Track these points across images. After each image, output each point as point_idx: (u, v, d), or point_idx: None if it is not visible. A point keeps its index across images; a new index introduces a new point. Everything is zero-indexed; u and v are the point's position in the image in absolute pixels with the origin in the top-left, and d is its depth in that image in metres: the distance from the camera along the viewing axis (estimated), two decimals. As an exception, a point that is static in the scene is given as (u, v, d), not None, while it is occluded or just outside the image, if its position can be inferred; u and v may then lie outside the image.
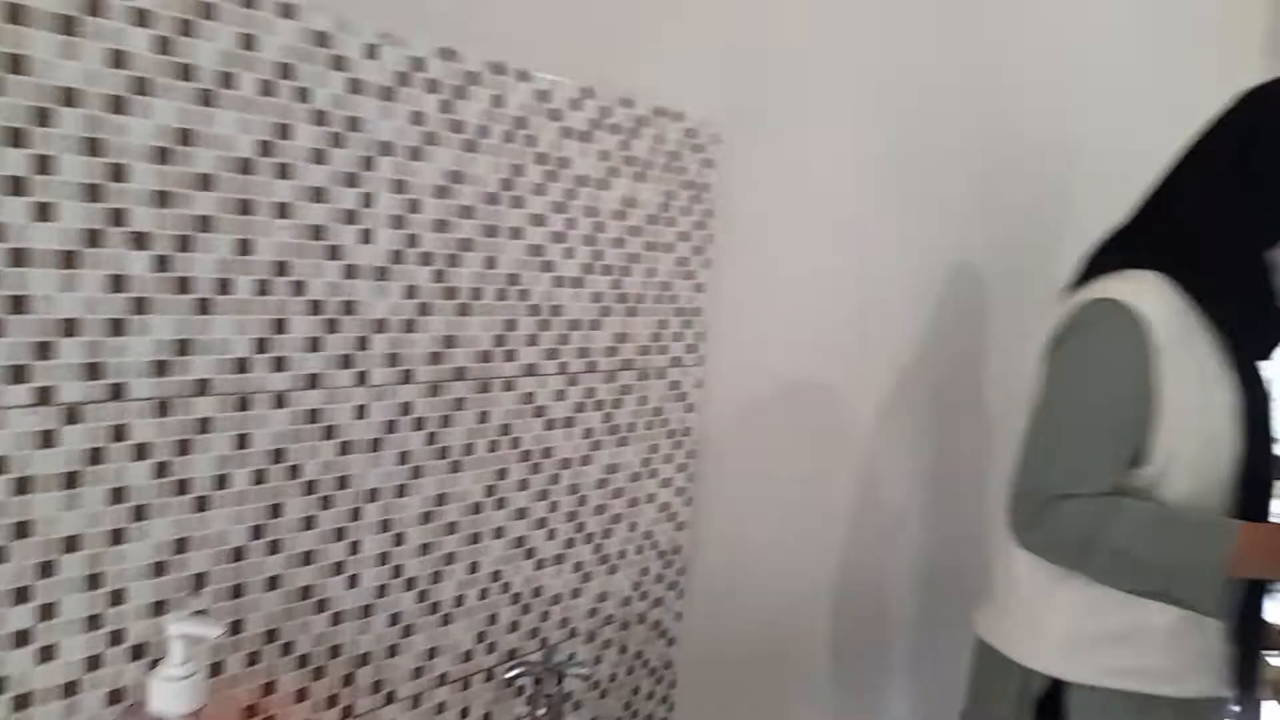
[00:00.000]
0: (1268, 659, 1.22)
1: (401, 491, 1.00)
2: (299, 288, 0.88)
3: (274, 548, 0.90)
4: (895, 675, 1.88)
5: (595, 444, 1.21)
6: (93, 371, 0.76)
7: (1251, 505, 1.19)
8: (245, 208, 0.83)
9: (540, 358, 1.12)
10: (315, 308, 0.90)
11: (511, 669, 1.12)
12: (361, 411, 0.95)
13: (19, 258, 0.71)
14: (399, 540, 1.01)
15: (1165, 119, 1.32)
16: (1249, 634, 1.23)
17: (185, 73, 0.78)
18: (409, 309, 0.98)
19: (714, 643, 1.45)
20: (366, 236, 0.93)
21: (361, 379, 0.95)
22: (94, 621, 0.78)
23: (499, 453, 1.09)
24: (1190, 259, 1.19)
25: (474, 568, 1.09)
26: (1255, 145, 1.18)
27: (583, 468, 1.20)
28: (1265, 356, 1.27)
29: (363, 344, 0.94)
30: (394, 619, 1.02)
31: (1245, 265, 1.20)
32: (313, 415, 0.91)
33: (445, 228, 1.00)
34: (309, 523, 0.92)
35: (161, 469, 0.81)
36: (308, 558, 0.93)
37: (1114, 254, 1.27)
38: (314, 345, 0.90)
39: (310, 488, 0.92)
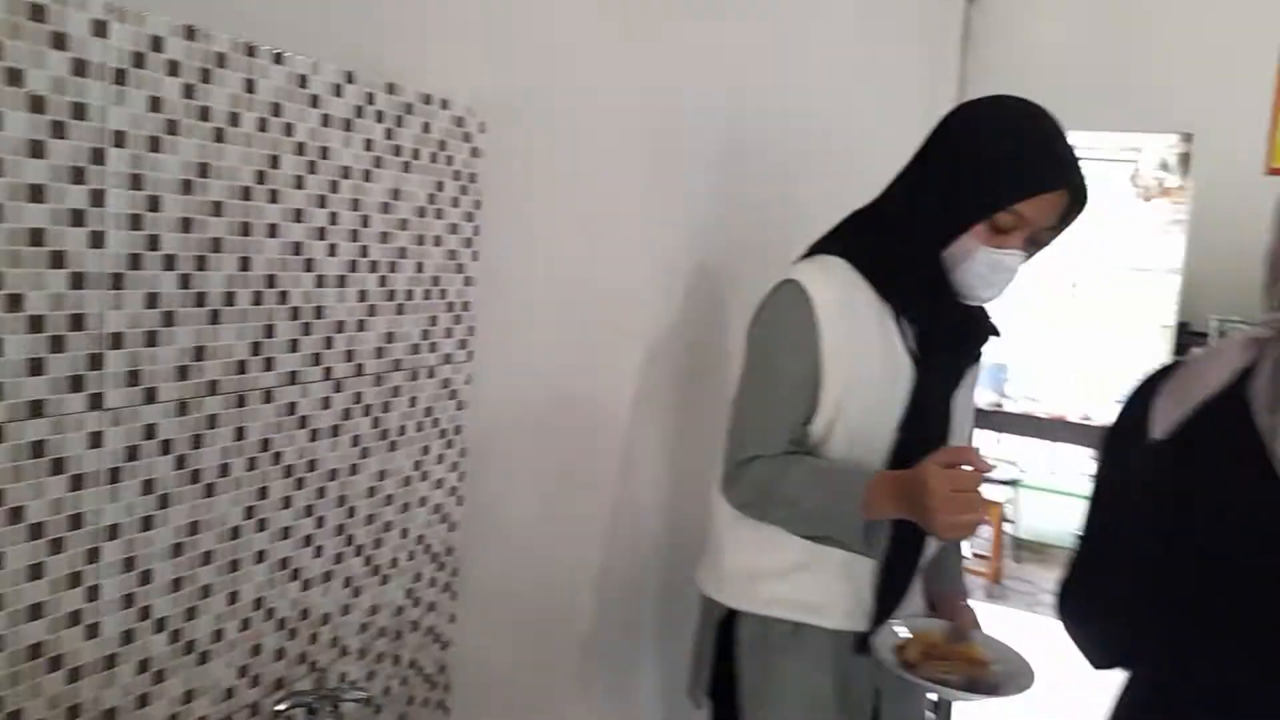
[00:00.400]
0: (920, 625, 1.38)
1: (147, 524, 0.89)
2: (14, 302, 0.75)
3: (-8, 606, 0.77)
4: (649, 651, 1.94)
5: (364, 452, 1.14)
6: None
7: (905, 465, 1.28)
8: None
9: (302, 364, 1.04)
10: (35, 324, 0.77)
11: (279, 701, 1.04)
12: (96, 440, 0.83)
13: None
14: (146, 578, 0.90)
15: (883, 122, 1.43)
16: (893, 579, 1.36)
17: None
18: (150, 319, 0.86)
19: (489, 641, 1.44)
20: (97, 239, 0.81)
21: (96, 402, 0.83)
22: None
23: (258, 470, 1.00)
24: (874, 249, 1.32)
25: (234, 598, 0.99)
26: (929, 153, 1.33)
27: (351, 478, 1.13)
28: (961, 351, 1.40)
29: (95, 362, 0.82)
30: (143, 665, 0.91)
31: (922, 259, 1.30)
32: (38, 448, 0.78)
33: (191, 227, 0.89)
34: (36, 571, 0.80)
35: None
36: (36, 610, 0.80)
37: (821, 243, 1.38)
38: (36, 368, 0.77)
39: (36, 531, 0.79)
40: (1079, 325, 4.87)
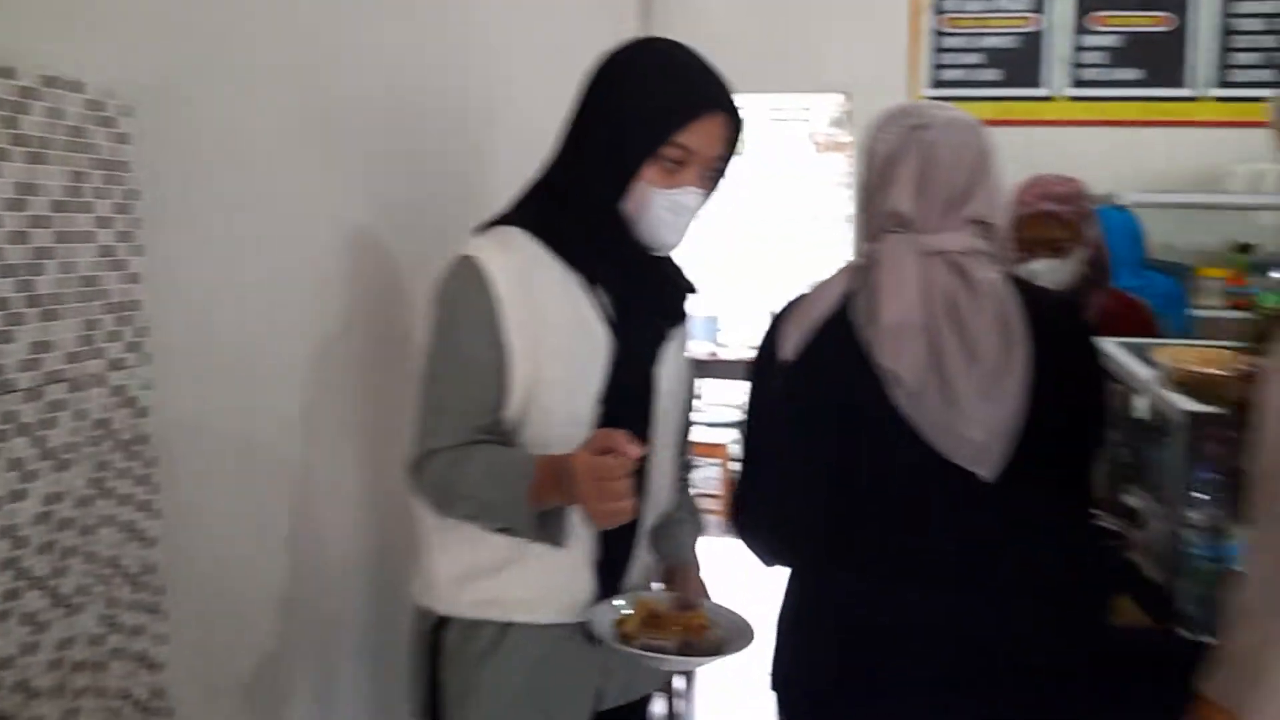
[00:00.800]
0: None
1: None
2: None
3: None
4: (363, 666, 1.77)
5: (28, 475, 1.03)
6: None
7: None
8: None
9: (-68, 386, 0.92)
10: None
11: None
12: None
13: None
14: None
15: (568, 83, 1.35)
16: (611, 559, 1.31)
17: None
18: None
19: (207, 660, 1.35)
20: None
21: None
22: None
23: (-110, 510, 0.88)
24: (552, 215, 1.27)
25: (-123, 657, 0.87)
26: (585, 107, 1.29)
27: (15, 504, 1.02)
28: (661, 313, 1.34)
29: None
30: None
31: (601, 217, 1.26)
32: None
33: None
34: None
35: None
36: None
37: (498, 216, 1.32)
38: None
39: None
40: (775, 272, 5.31)
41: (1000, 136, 4.10)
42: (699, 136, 1.24)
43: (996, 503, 1.18)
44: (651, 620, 1.26)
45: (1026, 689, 1.18)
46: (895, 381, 1.19)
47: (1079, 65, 3.80)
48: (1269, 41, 3.70)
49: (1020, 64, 3.83)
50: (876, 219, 1.28)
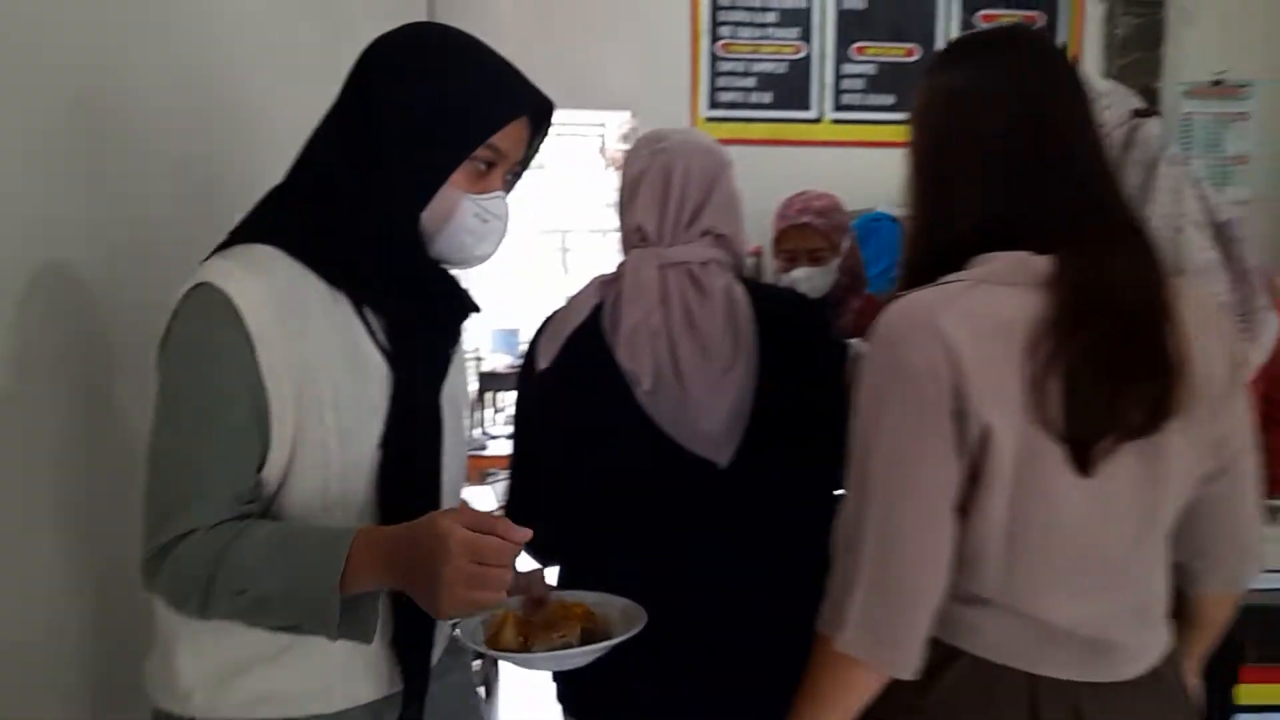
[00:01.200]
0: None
1: None
2: None
3: None
4: None
5: None
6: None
7: (401, 500, 1.03)
8: None
9: None
10: None
11: None
12: None
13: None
14: None
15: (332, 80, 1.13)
16: (410, 639, 1.09)
17: None
18: None
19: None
20: None
21: None
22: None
23: None
24: (321, 228, 1.04)
25: None
26: (366, 107, 1.07)
27: None
28: (443, 334, 1.18)
29: None
30: None
31: (396, 230, 1.07)
32: None
33: None
34: None
35: None
36: None
37: (239, 231, 1.06)
38: None
39: None
40: (570, 283, 5.42)
41: (774, 155, 4.42)
42: (511, 138, 1.11)
43: (735, 487, 1.32)
44: (523, 628, 1.14)
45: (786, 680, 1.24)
46: (635, 381, 1.32)
47: (841, 91, 4.16)
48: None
49: (790, 88, 4.15)
50: (624, 234, 1.42)
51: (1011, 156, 0.94)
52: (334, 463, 1.02)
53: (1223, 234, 1.35)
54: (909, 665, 0.94)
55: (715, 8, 4.10)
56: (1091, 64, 4.28)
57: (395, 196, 1.06)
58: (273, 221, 1.06)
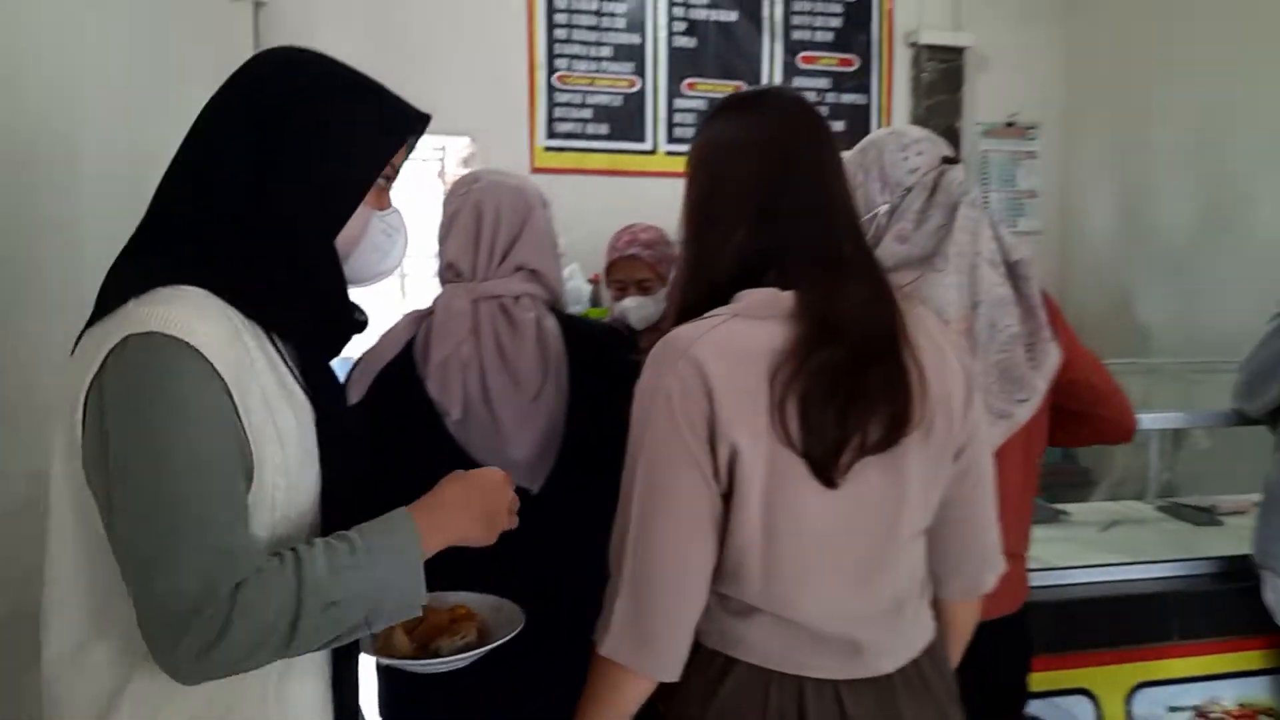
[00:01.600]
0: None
1: None
2: None
3: None
4: None
5: None
6: None
7: (346, 521, 1.01)
8: None
9: None
10: None
11: None
12: None
13: None
14: None
15: (177, 130, 1.05)
16: (343, 677, 1.07)
17: None
18: None
19: None
20: None
21: None
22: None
23: None
24: (223, 259, 0.97)
25: None
26: (275, 127, 1.00)
27: None
28: (335, 354, 1.14)
29: None
30: None
31: (318, 258, 1.04)
32: None
33: None
34: None
35: None
36: None
37: (139, 269, 0.97)
38: None
39: None
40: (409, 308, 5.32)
41: (611, 185, 4.55)
42: (402, 153, 1.10)
43: (550, 511, 1.34)
44: (415, 634, 1.13)
45: None
46: (444, 412, 1.36)
47: (675, 124, 4.32)
48: (823, 111, 4.46)
49: (626, 121, 4.28)
50: (440, 270, 1.47)
51: (763, 201, 1.01)
52: (281, 495, 0.98)
53: (1014, 272, 1.48)
54: (669, 669, 1.00)
55: (551, 40, 4.18)
56: (901, 104, 4.63)
57: (315, 223, 1.02)
58: (176, 258, 0.97)
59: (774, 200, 1.01)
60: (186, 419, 0.89)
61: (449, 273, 1.45)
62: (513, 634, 1.16)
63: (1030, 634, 1.60)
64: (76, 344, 0.96)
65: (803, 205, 1.02)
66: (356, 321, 1.13)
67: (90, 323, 0.95)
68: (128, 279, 0.95)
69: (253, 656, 0.88)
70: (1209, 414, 2.19)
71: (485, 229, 1.42)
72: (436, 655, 1.14)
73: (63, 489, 0.94)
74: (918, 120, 4.53)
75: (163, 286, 0.93)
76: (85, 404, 0.90)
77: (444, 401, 1.35)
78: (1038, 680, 1.75)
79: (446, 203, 1.47)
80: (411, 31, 4.02)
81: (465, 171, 4.95)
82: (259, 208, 0.99)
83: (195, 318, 0.91)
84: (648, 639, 0.99)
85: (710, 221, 1.05)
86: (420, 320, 1.44)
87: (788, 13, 4.42)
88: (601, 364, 1.42)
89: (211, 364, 0.90)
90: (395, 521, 0.98)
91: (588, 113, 4.23)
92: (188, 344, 0.89)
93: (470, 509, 1.05)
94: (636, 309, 2.23)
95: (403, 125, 1.08)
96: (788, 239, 1.01)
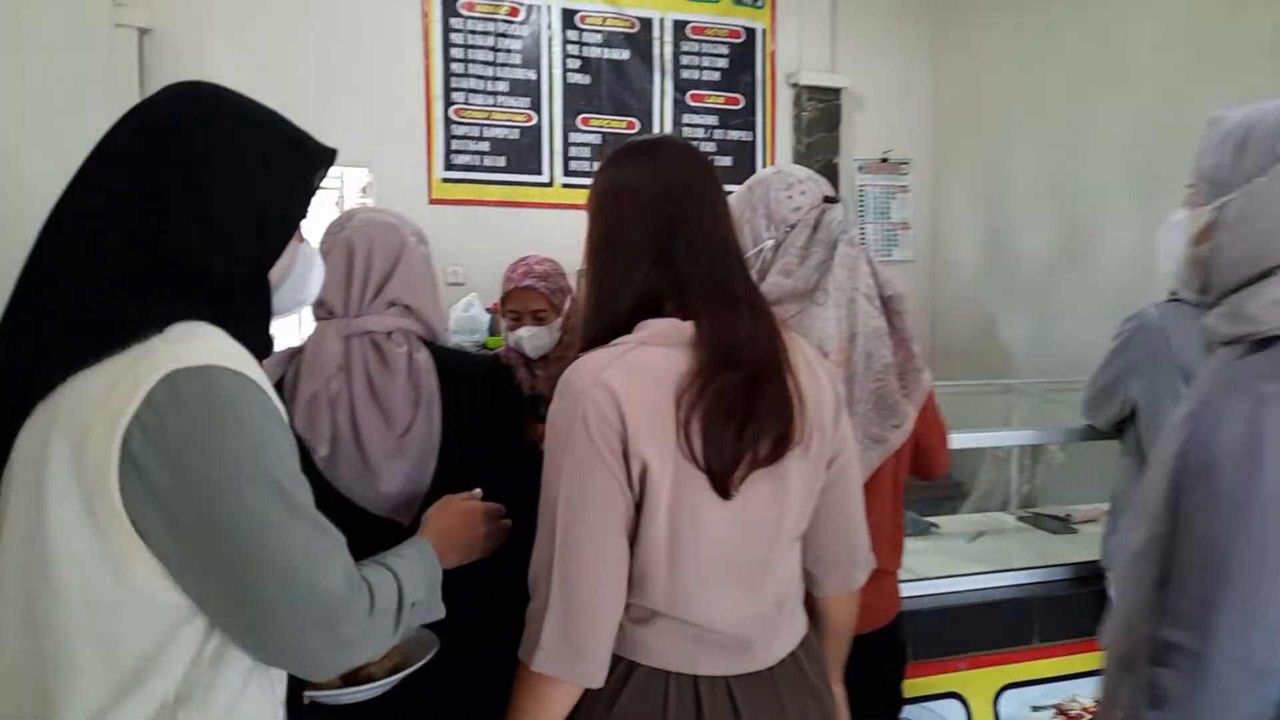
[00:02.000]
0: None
1: None
2: None
3: None
4: None
5: None
6: None
7: None
8: None
9: None
10: None
11: None
12: None
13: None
14: None
15: (64, 163, 1.01)
16: (292, 698, 1.07)
17: None
18: None
19: None
20: None
21: None
22: None
23: None
24: (200, 298, 0.96)
25: None
26: (192, 163, 0.98)
27: None
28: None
29: None
30: None
31: (256, 288, 1.05)
32: None
33: None
34: None
35: None
36: None
37: (136, 305, 0.92)
38: None
39: None
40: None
41: (509, 216, 4.60)
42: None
43: None
44: None
45: None
46: (311, 449, 1.36)
47: (570, 157, 4.43)
48: (710, 147, 4.65)
49: (523, 154, 4.36)
50: (313, 309, 1.46)
51: (660, 245, 1.10)
52: None
53: (889, 305, 1.57)
54: (597, 676, 1.07)
55: (448, 74, 4.23)
56: (784, 141, 4.86)
57: (254, 255, 1.03)
58: (159, 301, 0.94)
59: (671, 243, 1.10)
60: (270, 440, 0.92)
61: (320, 310, 1.44)
62: (431, 654, 1.21)
63: (904, 644, 1.68)
64: (37, 386, 0.88)
65: (697, 248, 1.11)
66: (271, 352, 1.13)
67: (73, 362, 0.88)
68: (128, 315, 0.91)
69: (386, 636, 1.01)
70: (1063, 429, 2.31)
71: (357, 266, 1.41)
72: (370, 680, 1.19)
73: (61, 538, 0.86)
74: (799, 156, 4.76)
75: (180, 322, 0.91)
76: (123, 444, 0.85)
77: (310, 438, 1.35)
78: (912, 686, 1.82)
79: (322, 243, 1.46)
80: (305, 61, 3.99)
81: (366, 201, 4.95)
82: (206, 248, 0.97)
83: (236, 351, 0.93)
84: (579, 648, 1.05)
85: (612, 262, 1.13)
86: (290, 358, 1.44)
87: (677, 53, 4.60)
88: (476, 398, 1.44)
89: (267, 394, 0.93)
90: (421, 547, 1.14)
91: (485, 145, 4.29)
92: (246, 376, 0.91)
93: (453, 538, 1.21)
94: (530, 338, 2.28)
95: (322, 158, 1.10)
96: (685, 278, 1.09)
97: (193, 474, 0.86)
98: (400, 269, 1.44)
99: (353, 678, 1.20)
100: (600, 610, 1.06)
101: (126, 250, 0.94)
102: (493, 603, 1.33)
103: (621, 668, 1.10)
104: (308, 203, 1.07)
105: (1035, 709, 2.07)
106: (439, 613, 1.13)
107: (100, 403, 0.86)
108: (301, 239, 1.10)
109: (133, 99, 1.07)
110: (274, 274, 1.05)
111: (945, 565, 2.23)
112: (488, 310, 3.80)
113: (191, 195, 0.97)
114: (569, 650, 1.05)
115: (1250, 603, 0.93)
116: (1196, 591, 0.96)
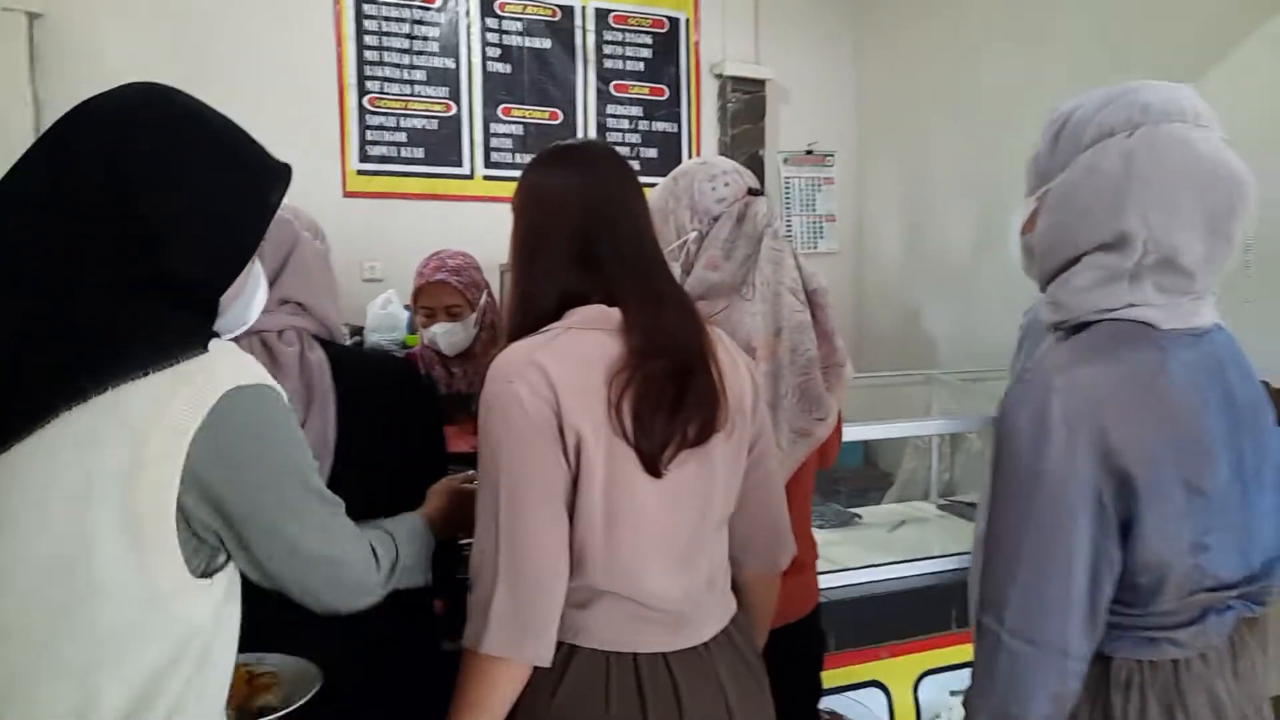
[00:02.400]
0: None
1: None
2: None
3: None
4: None
5: None
6: None
7: None
8: None
9: None
10: None
11: None
12: None
13: None
14: None
15: None
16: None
17: None
18: None
19: None
20: None
21: None
22: None
23: None
24: (185, 318, 0.98)
25: None
26: (167, 179, 0.98)
27: None
28: None
29: None
30: None
31: (212, 307, 1.06)
32: None
33: None
34: None
35: None
36: None
37: (166, 323, 0.96)
38: None
39: None
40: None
41: (429, 209, 4.48)
42: None
43: None
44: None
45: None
46: None
47: (492, 149, 4.34)
48: (635, 138, 4.61)
49: (442, 145, 4.26)
50: None
51: (585, 247, 1.15)
52: None
53: (813, 300, 1.58)
54: (545, 654, 1.10)
55: (362, 62, 4.11)
56: (709, 133, 4.85)
57: (219, 272, 1.04)
58: (161, 324, 0.95)
59: (594, 245, 1.15)
60: (304, 449, 1.04)
61: None
62: (315, 690, 1.16)
63: (822, 635, 1.71)
64: (85, 386, 0.89)
65: (621, 249, 1.16)
66: None
67: (124, 369, 0.90)
68: (166, 330, 0.94)
69: (384, 584, 1.14)
70: (981, 418, 2.38)
71: None
72: (272, 712, 1.14)
73: (105, 552, 0.89)
74: (724, 148, 4.76)
75: (211, 340, 0.97)
76: (188, 455, 0.91)
77: None
78: (834, 676, 1.86)
79: None
80: (209, 47, 3.81)
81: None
82: (193, 261, 0.99)
83: (263, 369, 1.01)
84: (528, 626, 1.08)
85: (537, 262, 1.18)
86: None
87: (600, 42, 4.55)
88: (377, 395, 1.41)
89: (292, 407, 1.03)
90: (416, 520, 1.26)
91: (402, 136, 4.18)
92: (280, 392, 1.01)
93: (449, 514, 1.30)
94: (445, 335, 2.22)
95: (279, 173, 1.09)
96: (609, 275, 1.15)
97: (251, 484, 0.96)
98: (292, 265, 1.39)
99: (253, 716, 1.16)
100: (547, 579, 1.09)
101: (115, 261, 0.94)
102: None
103: (562, 652, 1.13)
104: (265, 224, 1.07)
105: (954, 693, 2.11)
106: (421, 580, 1.22)
107: (156, 415, 0.90)
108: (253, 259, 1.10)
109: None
110: (225, 296, 1.05)
111: (866, 555, 2.26)
112: (406, 307, 3.71)
113: (170, 208, 0.97)
114: (518, 626, 1.07)
115: (1037, 581, 0.99)
116: (996, 573, 1.02)
